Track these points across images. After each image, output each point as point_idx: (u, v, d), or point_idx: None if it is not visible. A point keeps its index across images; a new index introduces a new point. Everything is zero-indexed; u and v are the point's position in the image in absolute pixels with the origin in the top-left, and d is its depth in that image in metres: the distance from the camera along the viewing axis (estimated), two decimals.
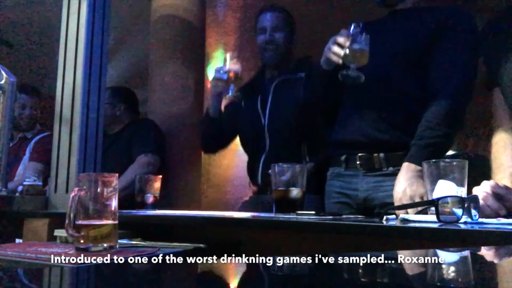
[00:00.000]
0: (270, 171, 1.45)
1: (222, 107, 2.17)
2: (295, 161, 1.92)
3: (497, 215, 1.10)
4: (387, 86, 1.61)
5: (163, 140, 2.78)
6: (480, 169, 1.39)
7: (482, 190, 1.10)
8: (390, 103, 1.60)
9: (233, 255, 1.21)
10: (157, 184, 1.81)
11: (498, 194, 1.09)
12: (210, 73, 2.02)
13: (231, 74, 1.94)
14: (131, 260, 0.98)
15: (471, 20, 1.58)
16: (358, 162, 1.63)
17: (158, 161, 2.61)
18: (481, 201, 1.06)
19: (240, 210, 2.18)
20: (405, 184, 1.41)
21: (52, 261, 0.93)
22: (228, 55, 1.96)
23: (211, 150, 2.44)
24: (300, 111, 1.99)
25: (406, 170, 1.44)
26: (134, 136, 2.65)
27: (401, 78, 1.60)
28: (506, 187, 1.12)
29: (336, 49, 1.52)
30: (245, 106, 2.16)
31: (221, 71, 1.95)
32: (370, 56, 1.61)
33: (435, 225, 0.92)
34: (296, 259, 0.67)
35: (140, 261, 1.00)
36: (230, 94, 1.96)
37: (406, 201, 1.39)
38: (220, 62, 2.24)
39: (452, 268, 0.58)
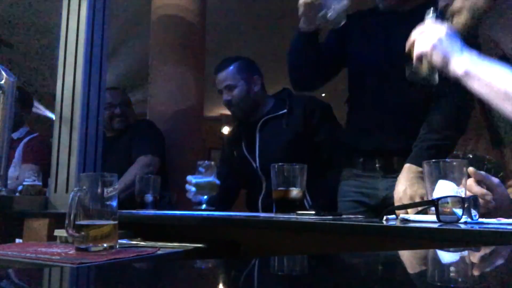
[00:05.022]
0: None
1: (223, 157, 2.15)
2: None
3: (485, 203, 1.10)
4: (401, 93, 1.61)
5: (162, 141, 2.77)
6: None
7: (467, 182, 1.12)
8: (404, 110, 1.60)
9: (233, 255, 1.22)
10: (157, 185, 1.81)
11: (480, 180, 1.12)
12: None
13: (203, 185, 1.77)
14: (131, 260, 0.98)
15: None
16: (377, 165, 1.63)
17: (158, 162, 2.60)
18: (467, 192, 1.07)
19: None
20: (405, 184, 1.42)
21: (52, 261, 0.93)
22: None
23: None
24: (289, 147, 1.96)
25: (408, 171, 1.44)
26: (134, 138, 2.64)
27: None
28: (485, 174, 1.14)
29: None
30: (236, 153, 2.14)
31: (191, 181, 1.78)
32: (379, 61, 1.61)
33: (435, 225, 0.92)
34: (296, 259, 0.67)
35: (140, 261, 1.00)
36: (203, 207, 1.75)
37: (406, 201, 1.39)
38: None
39: (452, 268, 0.58)
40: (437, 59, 1.15)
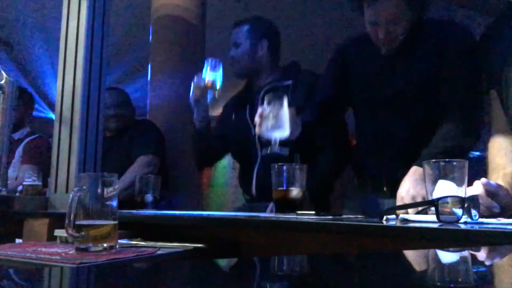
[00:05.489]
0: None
1: (213, 123, 2.15)
2: None
3: (490, 213, 1.11)
4: (408, 122, 1.63)
5: (162, 140, 2.78)
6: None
7: (475, 189, 1.12)
8: (413, 138, 1.61)
9: (233, 255, 1.22)
10: (157, 185, 1.81)
11: (490, 192, 1.12)
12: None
13: (209, 82, 1.92)
14: (131, 260, 0.98)
15: (472, 36, 1.59)
16: (384, 188, 1.65)
17: (158, 161, 2.60)
18: (467, 192, 1.07)
19: None
20: (409, 185, 1.41)
21: (52, 261, 0.93)
22: (208, 62, 1.95)
23: (204, 165, 2.42)
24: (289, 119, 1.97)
25: (413, 173, 1.44)
26: (134, 138, 2.64)
27: (421, 114, 1.62)
28: (497, 184, 1.14)
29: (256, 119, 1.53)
30: (235, 118, 2.15)
31: (199, 79, 1.94)
32: (389, 93, 1.63)
33: (435, 225, 0.92)
34: (296, 259, 0.67)
35: (140, 261, 1.00)
36: (210, 100, 1.95)
37: (408, 201, 1.39)
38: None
39: (452, 268, 0.58)
40: None
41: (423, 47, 1.62)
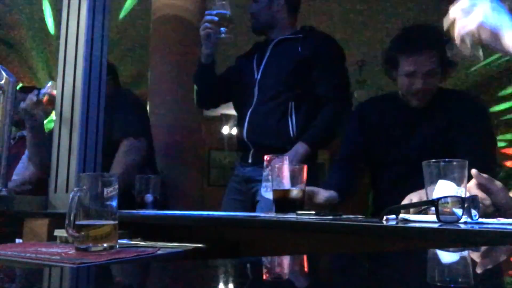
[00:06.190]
0: None
1: (223, 69, 2.22)
2: (280, 117, 2.00)
3: (484, 208, 1.10)
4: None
5: (146, 118, 2.42)
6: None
7: (469, 184, 1.12)
8: None
9: (233, 255, 1.22)
10: (157, 184, 1.81)
11: (481, 184, 1.12)
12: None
13: (221, 16, 1.95)
14: (131, 260, 0.98)
15: (484, 108, 1.73)
16: None
17: (144, 144, 2.22)
18: (467, 192, 1.07)
19: (226, 193, 2.21)
20: (422, 191, 1.42)
21: (52, 261, 0.93)
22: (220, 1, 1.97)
23: (205, 103, 2.37)
24: (293, 69, 2.02)
25: None
26: (113, 116, 2.11)
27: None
28: (488, 177, 1.14)
29: None
30: (242, 64, 2.22)
31: (211, 13, 1.97)
32: (411, 147, 1.71)
33: (435, 225, 0.92)
34: (296, 259, 0.67)
35: (140, 261, 1.00)
36: (222, 36, 1.97)
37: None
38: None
39: (452, 268, 0.58)
40: (486, 37, 1.03)
41: (444, 109, 1.70)
